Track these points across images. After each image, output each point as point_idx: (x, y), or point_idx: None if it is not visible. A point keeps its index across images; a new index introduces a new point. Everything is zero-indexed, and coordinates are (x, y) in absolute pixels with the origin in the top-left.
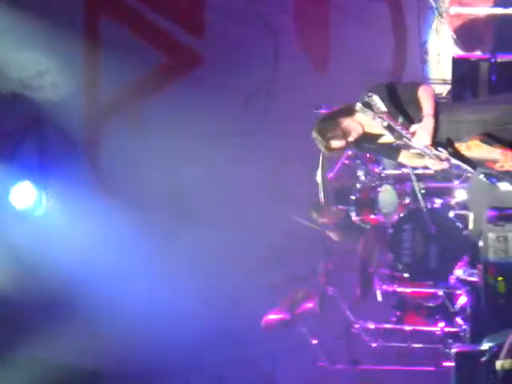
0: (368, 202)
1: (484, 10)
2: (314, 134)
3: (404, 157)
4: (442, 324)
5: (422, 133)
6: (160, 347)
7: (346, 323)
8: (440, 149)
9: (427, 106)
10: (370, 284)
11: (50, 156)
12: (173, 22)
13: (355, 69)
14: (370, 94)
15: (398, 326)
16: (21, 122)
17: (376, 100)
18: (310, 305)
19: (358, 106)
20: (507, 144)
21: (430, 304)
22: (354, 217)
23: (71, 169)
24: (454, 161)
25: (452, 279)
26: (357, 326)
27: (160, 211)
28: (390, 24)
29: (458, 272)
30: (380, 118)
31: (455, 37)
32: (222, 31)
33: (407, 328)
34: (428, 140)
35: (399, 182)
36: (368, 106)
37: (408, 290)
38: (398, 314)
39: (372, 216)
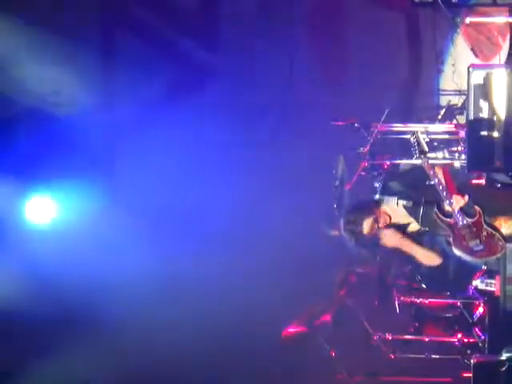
0: None
1: (500, 20)
2: (344, 224)
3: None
4: (460, 335)
5: (458, 195)
6: (175, 361)
7: (365, 335)
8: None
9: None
10: (389, 295)
11: (67, 170)
12: (187, 36)
13: (369, 80)
14: (414, 132)
15: (416, 337)
16: (39, 138)
17: (420, 137)
18: (328, 317)
19: (377, 197)
20: None
21: (449, 315)
22: None
23: (88, 183)
24: (486, 229)
25: (470, 290)
26: (375, 337)
27: (174, 224)
28: (405, 34)
29: (476, 282)
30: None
31: (471, 46)
32: (237, 45)
33: (426, 339)
34: (465, 199)
35: None
36: (386, 192)
37: (426, 300)
38: (416, 325)
39: None
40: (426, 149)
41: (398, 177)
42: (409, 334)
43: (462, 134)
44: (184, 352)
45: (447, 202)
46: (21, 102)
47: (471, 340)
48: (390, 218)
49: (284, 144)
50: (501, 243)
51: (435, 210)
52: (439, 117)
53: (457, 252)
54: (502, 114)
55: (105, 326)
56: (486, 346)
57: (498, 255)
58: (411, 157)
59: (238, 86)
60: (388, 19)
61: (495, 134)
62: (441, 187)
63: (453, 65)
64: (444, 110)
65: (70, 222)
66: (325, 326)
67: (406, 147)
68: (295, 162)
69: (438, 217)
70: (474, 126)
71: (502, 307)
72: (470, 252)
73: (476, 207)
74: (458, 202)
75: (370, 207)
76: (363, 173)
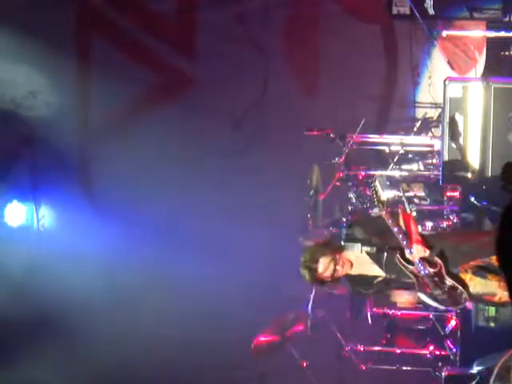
0: None
1: (476, 33)
2: (302, 258)
3: (395, 294)
4: (432, 347)
5: (419, 245)
6: (148, 371)
7: (337, 346)
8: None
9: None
10: (361, 306)
11: (42, 174)
12: (164, 42)
13: (345, 91)
14: (373, 181)
15: (387, 349)
16: (13, 141)
17: (378, 186)
18: (300, 327)
19: (343, 243)
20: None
21: (421, 327)
22: None
23: (63, 187)
24: (448, 281)
25: None
26: (347, 348)
27: (150, 231)
28: (382, 47)
29: None
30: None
31: (447, 59)
32: (213, 52)
33: (397, 351)
34: (426, 250)
35: (391, 204)
36: (350, 239)
37: (398, 312)
38: (388, 336)
39: None
40: (384, 198)
41: (361, 224)
42: (380, 346)
43: (437, 146)
44: (152, 358)
45: (408, 251)
46: None
47: (443, 352)
48: (352, 266)
49: (258, 154)
50: (464, 296)
51: (397, 255)
52: (415, 129)
53: (422, 297)
54: (477, 127)
55: (77, 331)
56: (458, 358)
57: (462, 306)
58: (386, 167)
59: (213, 95)
60: (365, 31)
61: (470, 148)
62: (401, 236)
63: (429, 77)
64: (420, 122)
65: (46, 225)
66: (296, 335)
67: (381, 158)
68: (269, 172)
69: (401, 263)
70: (449, 138)
71: (474, 320)
72: (435, 299)
73: (437, 260)
74: (418, 252)
75: (332, 247)
76: (338, 183)
